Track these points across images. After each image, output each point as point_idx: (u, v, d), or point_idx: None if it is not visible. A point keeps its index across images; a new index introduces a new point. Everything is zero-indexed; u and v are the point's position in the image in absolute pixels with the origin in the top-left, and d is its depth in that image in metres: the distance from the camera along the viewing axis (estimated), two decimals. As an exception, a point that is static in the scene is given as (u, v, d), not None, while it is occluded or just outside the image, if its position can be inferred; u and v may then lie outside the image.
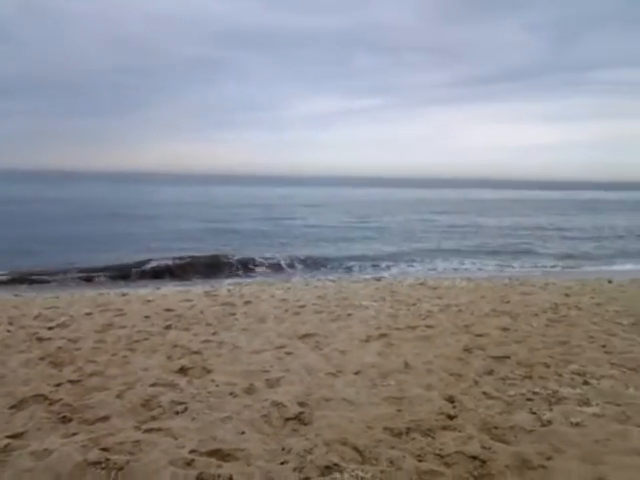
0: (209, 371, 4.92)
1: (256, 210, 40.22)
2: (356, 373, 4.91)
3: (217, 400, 4.23)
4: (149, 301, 8.74)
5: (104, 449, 3.33)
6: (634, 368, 5.19)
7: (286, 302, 8.32)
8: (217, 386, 4.51)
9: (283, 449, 3.44)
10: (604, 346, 5.92)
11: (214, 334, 6.22)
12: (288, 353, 5.50)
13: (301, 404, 4.13)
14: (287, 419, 3.90)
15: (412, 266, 17.66)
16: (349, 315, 7.23)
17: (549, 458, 3.40)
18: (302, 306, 7.94)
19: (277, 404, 4.09)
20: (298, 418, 3.90)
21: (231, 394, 4.34)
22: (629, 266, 18.47)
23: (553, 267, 18.10)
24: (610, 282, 12.38)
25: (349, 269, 16.16)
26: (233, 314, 7.33)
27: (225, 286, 11.41)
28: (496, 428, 3.82)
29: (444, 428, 3.80)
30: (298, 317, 7.16)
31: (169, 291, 9.89)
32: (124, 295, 10.03)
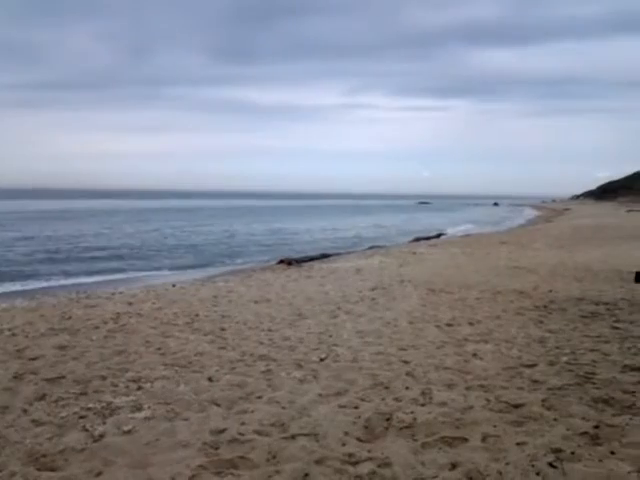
0: None
1: None
2: None
3: None
4: None
5: None
6: (185, 365, 5.60)
7: None
8: None
9: None
10: (159, 349, 6.22)
11: None
12: None
13: None
14: None
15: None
16: None
17: (99, 474, 3.37)
18: None
19: None
20: None
21: None
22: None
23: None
24: (174, 286, 13.18)
25: None
26: None
27: None
28: (45, 456, 3.60)
29: (-22, 475, 3.37)
30: None
31: None
32: None
